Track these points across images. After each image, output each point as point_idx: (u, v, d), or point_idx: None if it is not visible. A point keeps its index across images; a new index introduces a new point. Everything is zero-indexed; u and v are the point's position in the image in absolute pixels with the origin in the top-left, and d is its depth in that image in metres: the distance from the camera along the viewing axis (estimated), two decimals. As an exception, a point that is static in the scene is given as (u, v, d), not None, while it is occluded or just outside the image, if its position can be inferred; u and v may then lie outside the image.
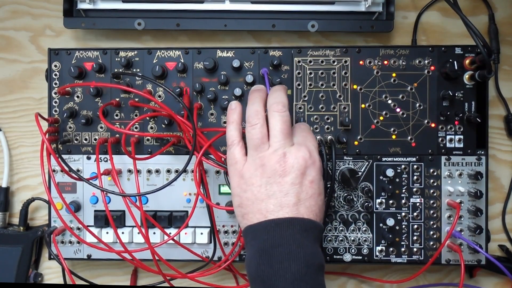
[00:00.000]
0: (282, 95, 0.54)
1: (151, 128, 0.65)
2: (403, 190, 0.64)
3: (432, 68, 0.63)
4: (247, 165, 0.52)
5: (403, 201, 0.64)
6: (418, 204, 0.64)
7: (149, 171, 0.65)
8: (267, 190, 0.50)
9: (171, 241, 0.61)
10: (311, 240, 0.48)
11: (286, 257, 0.46)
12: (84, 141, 0.65)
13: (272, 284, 0.46)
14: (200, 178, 0.60)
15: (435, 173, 0.64)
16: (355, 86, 0.64)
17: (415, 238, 0.64)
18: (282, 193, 0.49)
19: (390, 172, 0.62)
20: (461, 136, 0.64)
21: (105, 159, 0.65)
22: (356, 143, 0.64)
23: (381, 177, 0.64)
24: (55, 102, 0.65)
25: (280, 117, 0.51)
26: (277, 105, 0.52)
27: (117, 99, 0.64)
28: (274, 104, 0.52)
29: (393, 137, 0.64)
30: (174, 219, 0.64)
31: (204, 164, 0.62)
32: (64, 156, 0.64)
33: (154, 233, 0.64)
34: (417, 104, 0.64)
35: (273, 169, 0.50)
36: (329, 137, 0.63)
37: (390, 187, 0.63)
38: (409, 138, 0.64)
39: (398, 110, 0.64)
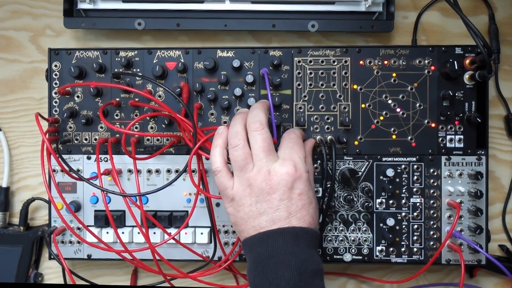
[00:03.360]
0: (259, 113, 0.55)
1: (151, 128, 0.65)
2: (403, 190, 0.64)
3: (432, 68, 0.63)
4: (236, 187, 0.53)
5: (403, 201, 0.64)
6: (418, 204, 0.64)
7: (149, 171, 0.65)
8: (258, 208, 0.51)
9: (171, 241, 0.61)
10: (303, 247, 0.50)
11: (279, 266, 0.48)
12: (84, 141, 0.65)
13: None
14: (200, 177, 0.60)
15: (435, 173, 0.64)
16: (355, 86, 0.64)
17: (415, 238, 0.64)
18: (272, 210, 0.51)
19: (390, 172, 0.62)
20: (461, 136, 0.64)
21: (105, 159, 0.65)
22: (356, 143, 0.64)
23: (381, 177, 0.64)
24: (55, 102, 0.65)
25: (259, 136, 0.53)
26: (255, 124, 0.53)
27: (117, 99, 0.64)
28: (252, 123, 0.53)
29: (393, 137, 0.64)
30: (174, 219, 0.64)
31: (205, 163, 0.62)
32: (64, 156, 0.64)
33: (154, 233, 0.64)
34: (417, 104, 0.64)
35: (260, 188, 0.51)
36: (329, 137, 0.63)
37: (390, 187, 0.63)
38: (409, 138, 0.64)
39: (398, 110, 0.64)
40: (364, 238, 0.64)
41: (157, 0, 0.67)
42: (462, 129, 0.64)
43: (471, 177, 0.63)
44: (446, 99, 0.63)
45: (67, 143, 0.65)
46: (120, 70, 0.65)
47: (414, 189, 0.64)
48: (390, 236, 0.63)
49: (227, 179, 0.54)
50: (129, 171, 0.65)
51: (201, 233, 0.64)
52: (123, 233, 0.64)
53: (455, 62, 0.61)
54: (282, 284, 0.47)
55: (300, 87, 0.64)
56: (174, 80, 0.64)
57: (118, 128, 0.59)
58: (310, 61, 0.64)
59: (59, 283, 0.71)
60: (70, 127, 0.65)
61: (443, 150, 0.64)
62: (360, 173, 0.64)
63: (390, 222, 0.62)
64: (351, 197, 0.63)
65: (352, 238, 0.64)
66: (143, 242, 0.63)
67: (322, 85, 0.64)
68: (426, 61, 0.63)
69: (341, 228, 0.64)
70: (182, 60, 0.64)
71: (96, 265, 0.72)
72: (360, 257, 0.64)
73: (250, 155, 0.53)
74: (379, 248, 0.64)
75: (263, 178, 0.51)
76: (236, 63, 0.63)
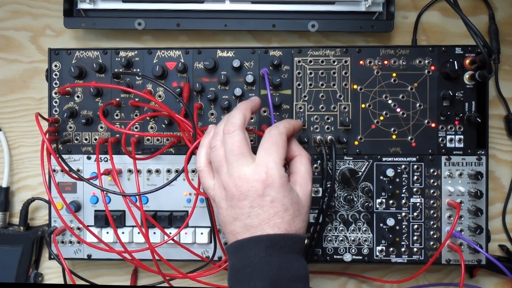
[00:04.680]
0: (235, 115, 0.53)
1: (151, 128, 0.65)
2: (403, 190, 0.64)
3: (432, 68, 0.63)
4: (215, 188, 0.53)
5: (403, 201, 0.64)
6: (418, 204, 0.64)
7: (149, 171, 0.65)
8: (232, 213, 0.51)
9: (171, 241, 0.61)
10: (278, 255, 0.48)
11: (252, 277, 0.47)
12: (84, 141, 0.65)
13: None
14: (199, 178, 0.60)
15: (435, 173, 0.64)
16: (355, 86, 0.64)
17: (415, 238, 0.64)
18: (244, 216, 0.50)
19: (390, 172, 0.62)
20: (461, 136, 0.64)
21: (105, 159, 0.65)
22: (356, 143, 0.64)
23: (381, 177, 0.64)
24: (55, 102, 0.65)
25: (229, 139, 0.51)
26: (227, 126, 0.52)
27: (117, 99, 0.64)
28: (225, 126, 0.52)
29: (393, 137, 0.64)
30: (174, 219, 0.64)
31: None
32: (64, 156, 0.64)
33: (154, 233, 0.64)
34: (417, 104, 0.64)
35: (231, 193, 0.50)
36: (329, 137, 0.63)
37: (390, 187, 0.63)
38: (409, 138, 0.64)
39: (398, 110, 0.64)
40: (364, 238, 0.64)
41: (157, 0, 0.67)
42: (462, 129, 0.64)
43: (471, 177, 0.63)
44: (446, 99, 0.63)
45: (67, 143, 0.65)
46: (120, 70, 0.65)
47: (414, 189, 0.64)
48: (390, 236, 0.63)
49: (208, 180, 0.53)
50: (129, 171, 0.65)
51: (201, 233, 0.64)
52: (123, 233, 0.64)
53: (455, 62, 0.61)
54: None
55: (300, 87, 0.64)
56: (174, 80, 0.64)
57: (118, 128, 0.59)
58: (310, 61, 0.64)
59: (59, 283, 0.71)
60: (70, 127, 0.65)
61: (443, 150, 0.64)
62: (360, 173, 0.64)
63: (390, 222, 0.62)
64: (351, 197, 0.63)
65: (352, 238, 0.64)
66: (143, 242, 0.63)
67: (322, 85, 0.64)
68: (426, 61, 0.63)
69: (341, 228, 0.64)
70: (182, 60, 0.64)
71: (96, 265, 0.72)
72: (360, 257, 0.64)
73: (225, 157, 0.51)
74: (379, 248, 0.64)
75: (233, 183, 0.50)
76: (236, 63, 0.63)
